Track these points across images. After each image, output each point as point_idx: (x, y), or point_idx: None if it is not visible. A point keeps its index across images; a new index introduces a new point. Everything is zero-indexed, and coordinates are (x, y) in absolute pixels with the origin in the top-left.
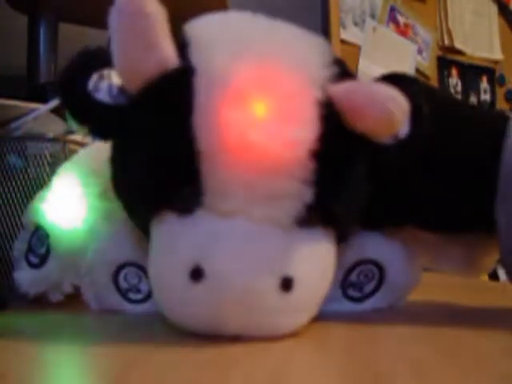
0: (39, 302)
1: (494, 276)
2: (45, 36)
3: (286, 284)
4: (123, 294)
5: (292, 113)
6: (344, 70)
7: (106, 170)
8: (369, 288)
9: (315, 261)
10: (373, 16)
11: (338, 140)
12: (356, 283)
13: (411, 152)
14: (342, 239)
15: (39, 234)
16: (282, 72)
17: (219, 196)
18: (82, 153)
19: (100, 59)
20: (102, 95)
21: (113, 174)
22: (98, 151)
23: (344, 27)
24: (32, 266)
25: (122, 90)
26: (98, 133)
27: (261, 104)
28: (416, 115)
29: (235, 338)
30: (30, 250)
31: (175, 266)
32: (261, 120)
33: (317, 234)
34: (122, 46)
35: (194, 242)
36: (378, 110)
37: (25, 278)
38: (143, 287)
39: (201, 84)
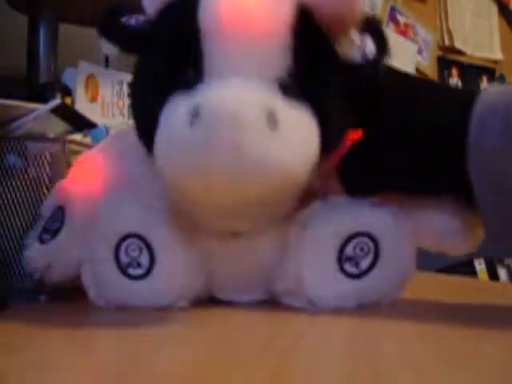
0: (38, 301)
1: (494, 276)
2: (45, 36)
3: (272, 121)
4: (123, 269)
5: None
6: None
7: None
8: (365, 263)
9: (298, 120)
10: None
11: (311, 24)
12: (352, 257)
13: (377, 77)
14: (325, 141)
15: (56, 215)
16: None
17: (218, 67)
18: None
19: (129, 7)
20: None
21: (132, 82)
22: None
23: None
24: (43, 242)
25: (146, 20)
26: (128, 48)
27: None
28: (379, 39)
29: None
30: (44, 229)
31: (179, 114)
32: (251, 3)
33: (301, 109)
34: None
35: (198, 95)
36: None
37: (33, 253)
38: (143, 260)
39: None
